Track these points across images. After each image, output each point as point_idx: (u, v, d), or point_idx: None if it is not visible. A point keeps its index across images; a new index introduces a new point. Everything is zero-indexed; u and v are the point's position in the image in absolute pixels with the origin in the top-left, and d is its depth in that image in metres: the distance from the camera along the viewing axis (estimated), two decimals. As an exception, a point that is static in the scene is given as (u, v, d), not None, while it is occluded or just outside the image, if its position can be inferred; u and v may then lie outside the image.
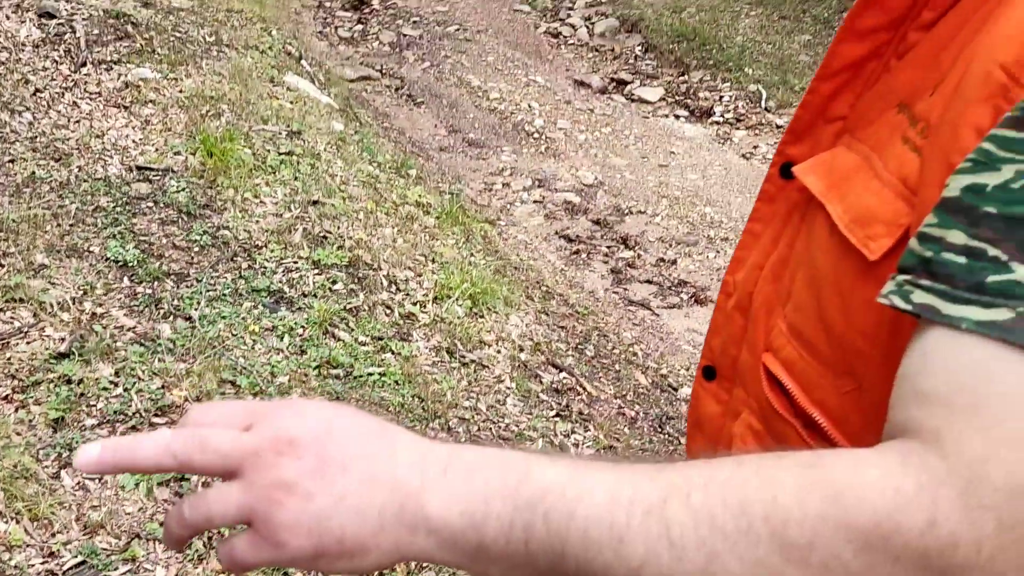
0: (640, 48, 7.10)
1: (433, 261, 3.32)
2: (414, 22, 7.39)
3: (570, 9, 7.89)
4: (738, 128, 5.91)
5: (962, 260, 0.48)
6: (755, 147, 5.64)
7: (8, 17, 4.16)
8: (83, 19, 4.37)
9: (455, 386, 2.66)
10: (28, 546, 1.73)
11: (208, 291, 2.68)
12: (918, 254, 0.51)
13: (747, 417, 0.77)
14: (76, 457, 0.53)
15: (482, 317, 3.08)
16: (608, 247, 4.44)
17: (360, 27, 7.39)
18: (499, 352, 2.93)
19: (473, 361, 2.82)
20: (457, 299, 3.09)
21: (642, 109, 6.22)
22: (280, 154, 3.69)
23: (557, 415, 2.72)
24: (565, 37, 7.37)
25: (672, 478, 0.49)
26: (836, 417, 0.65)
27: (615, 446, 2.64)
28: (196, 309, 2.59)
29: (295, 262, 3.00)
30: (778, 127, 5.88)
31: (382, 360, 2.65)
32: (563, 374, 2.97)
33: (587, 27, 7.51)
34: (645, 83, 6.56)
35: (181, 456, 0.51)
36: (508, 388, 2.75)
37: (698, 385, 0.87)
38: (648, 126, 5.87)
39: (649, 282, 4.17)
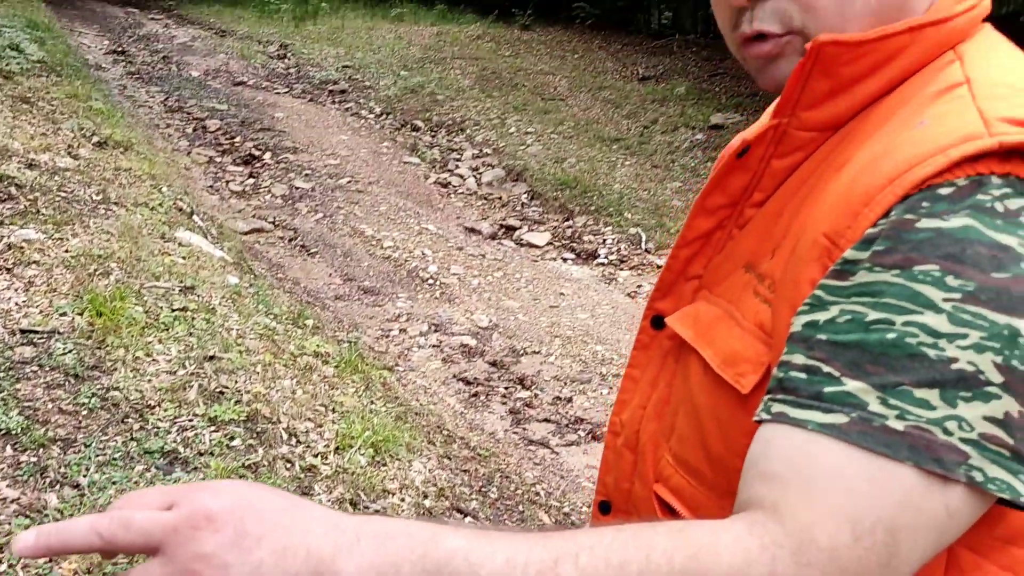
0: (526, 196, 7.46)
1: (333, 411, 3.31)
2: (306, 175, 7.57)
3: (458, 160, 8.27)
4: (622, 269, 6.23)
5: (803, 376, 0.62)
6: (639, 286, 5.94)
7: None
8: (-35, 182, 4.32)
9: (359, 538, 2.62)
10: None
11: (97, 456, 2.59)
12: (775, 378, 0.66)
13: None
14: (14, 543, 0.57)
15: (385, 465, 3.07)
16: (506, 388, 4.52)
17: (252, 181, 7.51)
18: (403, 500, 2.91)
19: (377, 511, 2.79)
20: (359, 448, 3.08)
21: (531, 253, 6.49)
22: (173, 310, 3.67)
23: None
24: (454, 187, 7.68)
25: (562, 544, 0.59)
26: None
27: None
28: (85, 476, 2.49)
29: (190, 420, 2.94)
30: (658, 267, 6.24)
31: (283, 516, 2.59)
32: (468, 519, 2.96)
33: (475, 177, 7.87)
34: (532, 228, 6.87)
35: (106, 535, 0.55)
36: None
37: (595, 520, 0.95)
38: (538, 269, 6.12)
39: (547, 421, 4.25)
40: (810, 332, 0.63)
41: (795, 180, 0.76)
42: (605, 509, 0.93)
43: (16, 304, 3.40)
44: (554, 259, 6.44)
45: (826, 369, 0.61)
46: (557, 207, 7.18)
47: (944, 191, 0.61)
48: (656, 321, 0.88)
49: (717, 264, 0.83)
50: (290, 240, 6.37)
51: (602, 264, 6.30)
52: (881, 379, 0.58)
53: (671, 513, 0.81)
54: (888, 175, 0.63)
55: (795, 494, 0.59)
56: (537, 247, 6.59)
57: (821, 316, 0.63)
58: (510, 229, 6.89)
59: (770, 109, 0.92)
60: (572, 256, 6.44)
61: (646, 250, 6.39)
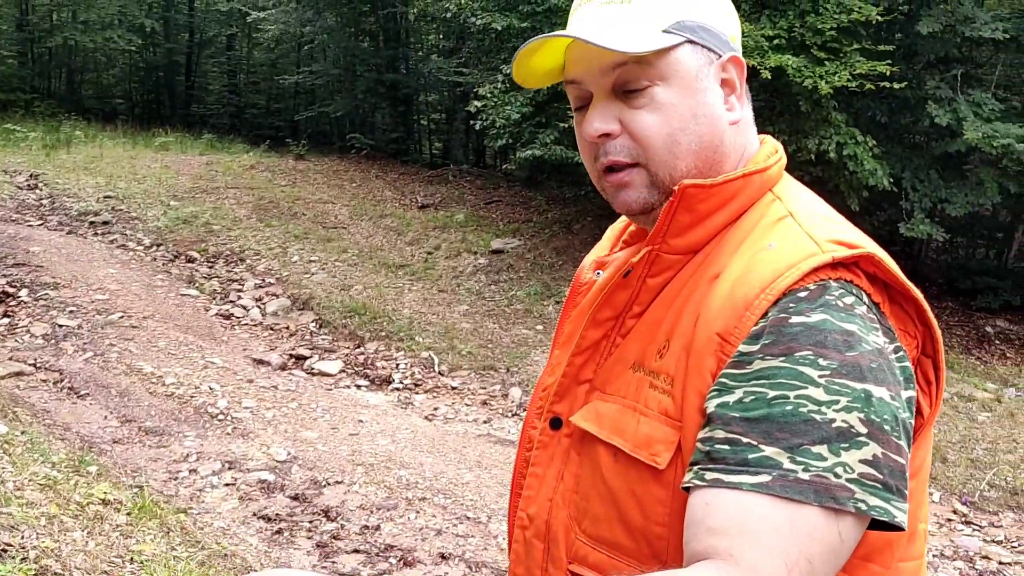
0: (314, 324, 7.41)
1: (132, 561, 3.07)
2: (70, 311, 7.06)
3: (239, 291, 8.09)
4: (417, 392, 6.31)
5: (727, 447, 0.80)
6: (436, 408, 6.04)
7: None
8: None
9: None
10: None
11: None
12: (701, 451, 0.82)
13: None
14: None
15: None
16: (310, 521, 4.38)
17: (6, 320, 6.89)
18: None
19: (193, 664, 2.60)
20: (166, 598, 2.87)
21: (324, 382, 6.41)
22: (-66, 465, 3.28)
23: None
24: (238, 318, 7.48)
25: None
26: None
27: None
28: None
29: (-34, 586, 2.62)
30: (453, 388, 6.39)
31: None
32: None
33: (259, 307, 7.72)
34: (323, 357, 6.81)
35: None
36: None
37: None
38: (333, 397, 6.05)
39: (356, 551, 4.16)
40: (724, 411, 0.81)
41: (668, 294, 0.95)
42: None
43: None
44: (348, 386, 6.41)
45: (745, 440, 0.79)
46: (347, 334, 7.19)
47: (802, 294, 0.83)
48: (555, 422, 1.01)
49: (607, 368, 0.98)
50: (55, 383, 5.87)
51: (397, 389, 6.35)
52: (788, 443, 0.77)
53: None
54: (760, 286, 0.85)
55: (742, 542, 0.76)
56: (330, 375, 6.53)
57: (730, 398, 0.81)
58: (300, 358, 6.80)
59: (609, 234, 1.18)
60: (366, 383, 6.44)
61: (439, 372, 6.53)
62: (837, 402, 0.77)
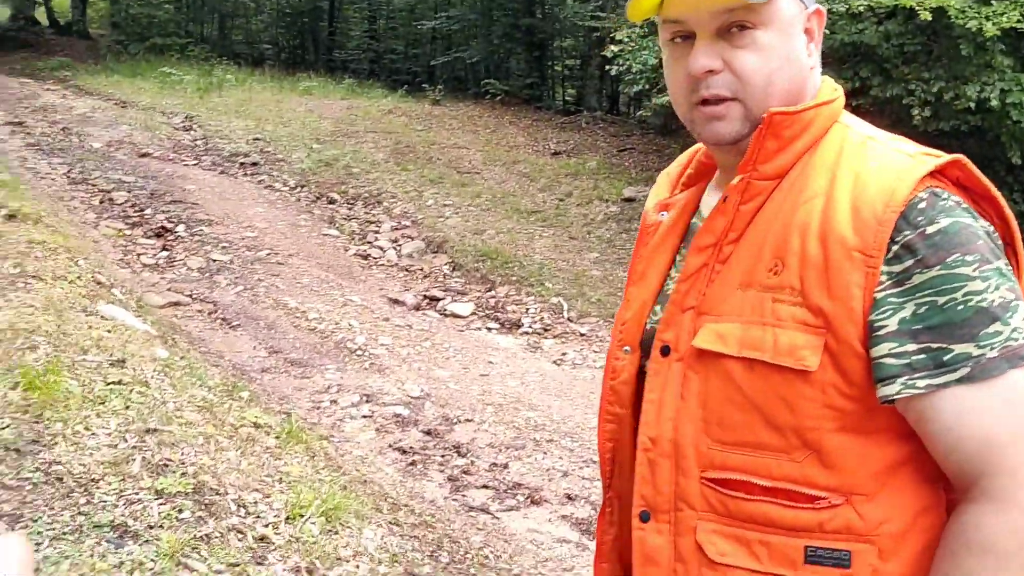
0: (447, 267, 7.58)
1: (280, 481, 3.28)
2: (223, 247, 7.49)
3: (377, 233, 8.35)
4: (546, 337, 6.38)
5: (924, 356, 0.94)
6: (564, 353, 6.09)
7: None
8: None
9: (322, 607, 2.60)
10: None
11: (48, 531, 2.50)
12: (899, 364, 0.95)
13: (706, 525, 1.05)
14: None
15: (337, 533, 3.05)
16: (442, 456, 4.54)
17: (165, 254, 7.38)
18: (358, 568, 2.90)
19: (335, 579, 2.77)
20: (310, 517, 3.06)
21: (456, 323, 6.58)
22: (108, 384, 3.58)
23: (427, 626, 2.70)
24: (375, 258, 7.74)
25: None
26: (802, 475, 1.00)
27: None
28: (37, 551, 2.40)
29: (136, 493, 2.87)
30: (581, 335, 6.42)
31: (242, 588, 2.56)
32: (425, 584, 2.97)
33: (395, 249, 7.95)
34: (456, 299, 6.98)
35: None
36: (375, 604, 2.72)
37: (637, 530, 1.11)
38: (464, 338, 6.20)
39: (485, 487, 4.29)
40: (906, 326, 0.95)
41: (763, 218, 1.05)
42: (645, 517, 1.10)
43: (-60, 379, 3.26)
44: (479, 329, 6.54)
45: (935, 346, 0.93)
46: (479, 278, 7.32)
47: (920, 205, 0.96)
48: (664, 350, 1.10)
49: (713, 293, 1.07)
50: (210, 313, 6.27)
51: (527, 333, 6.44)
52: (969, 334, 0.92)
53: (734, 486, 1.03)
54: (883, 200, 0.97)
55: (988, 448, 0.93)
56: (462, 317, 6.68)
57: (905, 314, 0.95)
58: (434, 300, 6.98)
59: (664, 180, 1.29)
60: (497, 325, 6.56)
61: (568, 318, 6.57)
62: (989, 284, 0.93)
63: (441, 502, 4.05)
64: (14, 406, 3.15)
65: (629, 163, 10.26)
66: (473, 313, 6.77)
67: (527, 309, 6.77)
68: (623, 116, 14.20)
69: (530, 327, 6.53)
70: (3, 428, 2.98)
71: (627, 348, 1.17)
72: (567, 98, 16.92)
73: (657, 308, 1.16)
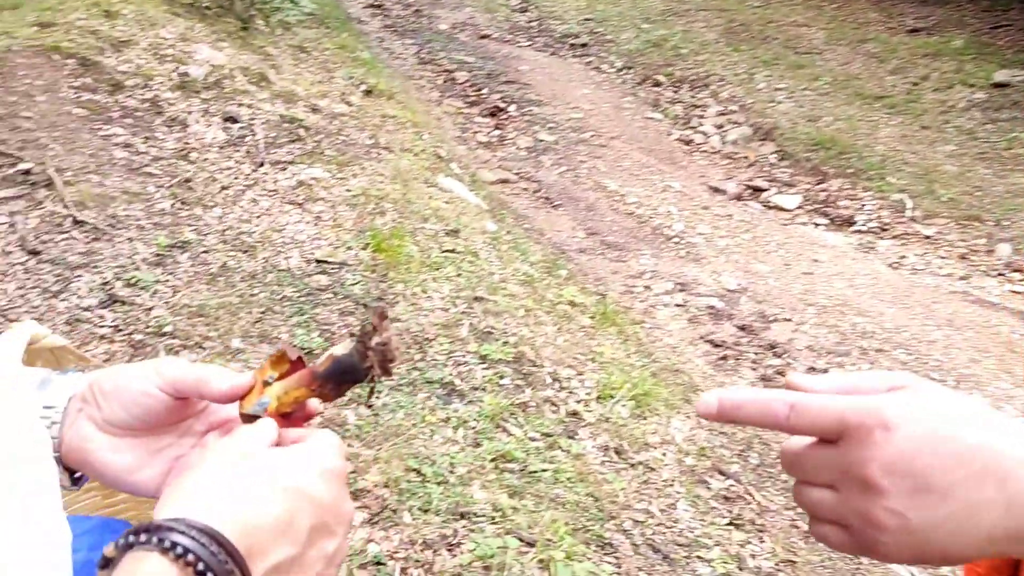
0: (775, 156, 7.12)
1: (593, 360, 3.34)
2: (550, 128, 7.65)
3: (701, 117, 8.03)
4: (882, 237, 5.80)
5: None
6: (902, 257, 5.51)
7: (198, 121, 4.54)
8: (261, 123, 4.73)
9: (626, 487, 2.63)
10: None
11: (388, 381, 2.77)
12: None
13: None
14: (697, 405, 0.59)
15: (645, 419, 3.06)
16: (755, 354, 4.36)
17: (497, 132, 7.70)
18: (665, 455, 2.89)
19: (641, 463, 2.79)
20: (620, 400, 3.09)
21: (780, 216, 6.19)
22: (443, 252, 3.84)
23: (730, 523, 2.64)
24: (698, 144, 7.47)
25: None
26: None
27: (794, 560, 2.54)
28: (376, 398, 2.67)
29: (464, 356, 3.07)
30: (926, 237, 5.75)
31: (552, 457, 2.66)
32: (730, 481, 2.89)
33: (719, 135, 7.60)
34: (782, 190, 6.55)
35: (789, 415, 0.55)
36: (678, 492, 2.70)
37: None
38: (788, 233, 5.83)
39: (801, 391, 4.05)
40: None
41: None
42: None
43: (308, 236, 3.69)
44: (805, 223, 6.11)
45: None
46: (809, 169, 6.79)
47: None
48: None
49: None
50: (534, 192, 6.48)
51: (860, 231, 5.90)
52: None
53: None
54: None
55: None
56: (786, 210, 6.28)
57: None
58: (757, 190, 6.61)
59: None
60: (825, 221, 6.08)
61: (911, 218, 5.90)
62: None
63: (752, 400, 3.91)
64: (364, 265, 3.48)
65: (1003, 42, 8.77)
66: (800, 206, 6.32)
67: (862, 205, 6.18)
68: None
69: (864, 225, 5.97)
70: (355, 284, 3.31)
71: None
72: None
73: None
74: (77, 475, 0.66)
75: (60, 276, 2.93)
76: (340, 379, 0.61)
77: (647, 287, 5.09)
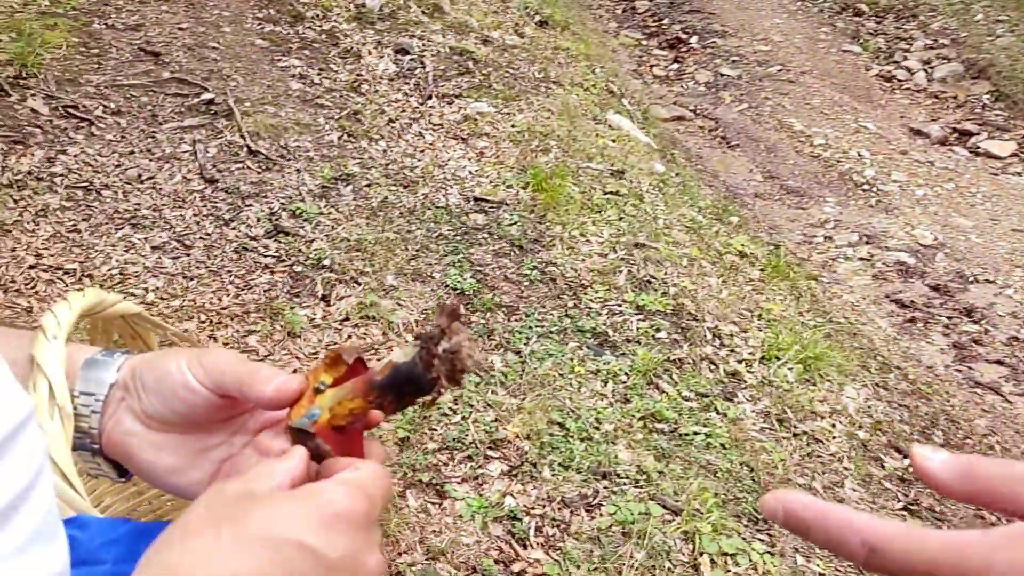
0: (988, 96, 6.36)
1: (759, 317, 3.11)
2: (733, 62, 7.20)
3: (906, 51, 7.29)
4: (1115, 192, 5.07)
5: None
6: None
7: (371, 53, 4.57)
8: (432, 55, 4.69)
9: (786, 459, 2.43)
10: (374, 565, 1.78)
11: (536, 327, 2.69)
12: None
13: None
14: (763, 504, 0.42)
15: (814, 385, 2.82)
16: (948, 318, 3.95)
17: (676, 66, 7.34)
18: (834, 426, 2.66)
19: (805, 433, 2.58)
20: (786, 362, 2.86)
21: (990, 164, 5.54)
22: (605, 193, 3.68)
23: (905, 508, 2.40)
24: (900, 81, 6.80)
25: None
26: None
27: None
28: (525, 344, 2.60)
29: (619, 305, 2.94)
30: None
31: (707, 420, 2.49)
32: (908, 461, 2.62)
33: (925, 71, 6.88)
34: (994, 135, 5.85)
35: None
36: (846, 469, 2.47)
37: None
38: (998, 184, 5.21)
39: (1000, 363, 3.64)
40: None
41: None
42: None
43: (470, 173, 3.64)
44: (1019, 173, 5.44)
45: None
46: (1030, 111, 6.02)
47: None
48: None
49: None
50: (710, 131, 6.14)
51: (1087, 185, 5.19)
52: None
53: None
54: None
55: None
56: (998, 158, 5.60)
57: None
58: (965, 134, 5.94)
59: None
60: (1045, 172, 5.38)
61: None
62: None
63: (941, 371, 3.54)
64: (523, 205, 3.39)
65: None
66: (1014, 154, 5.62)
67: (1093, 155, 5.42)
68: None
69: (1094, 178, 5.24)
70: (512, 224, 3.23)
71: None
72: None
73: None
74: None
75: (232, 205, 3.03)
76: (401, 390, 0.50)
77: (828, 238, 4.72)
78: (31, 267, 2.45)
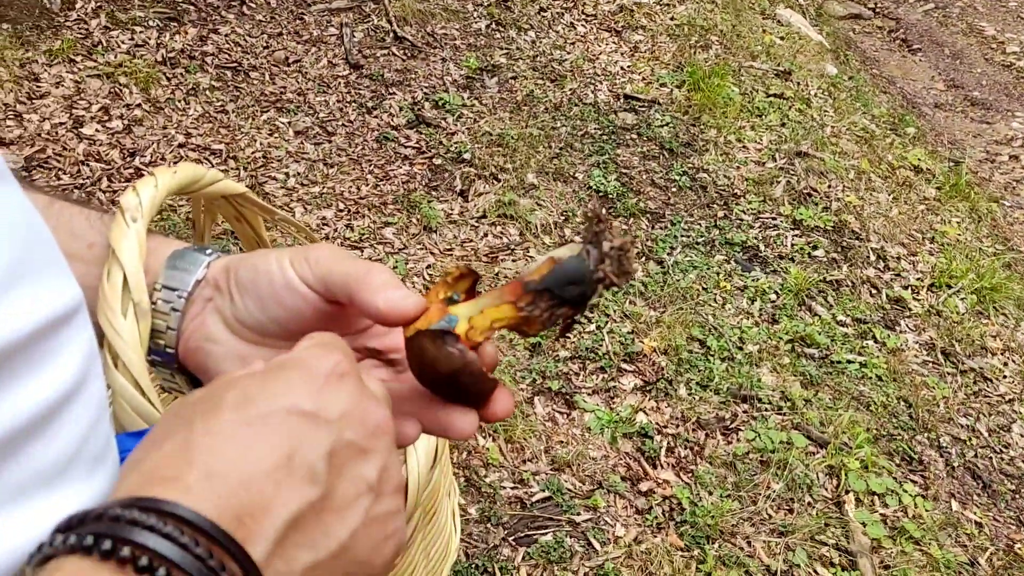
0: None
1: (932, 240, 2.83)
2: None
3: None
4: None
5: None
6: None
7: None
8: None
9: (950, 396, 2.22)
10: (502, 467, 1.74)
11: (682, 236, 2.53)
12: None
13: None
14: None
15: (987, 318, 2.55)
16: None
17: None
18: (1006, 365, 2.40)
19: (973, 370, 2.34)
20: (958, 291, 2.59)
21: None
22: (768, 96, 3.40)
23: (1083, 465, 2.15)
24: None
25: None
26: None
27: None
28: (669, 254, 2.45)
29: (773, 218, 2.73)
30: None
31: (863, 347, 2.30)
32: (1091, 412, 2.34)
33: None
34: None
35: None
36: (1016, 413, 2.24)
37: None
38: None
39: None
40: None
41: None
42: None
43: (622, 68, 3.43)
44: None
45: None
46: None
47: None
48: None
49: None
50: (890, 32, 5.58)
51: None
52: None
53: None
54: None
55: None
56: None
57: None
58: None
59: None
60: None
61: None
62: None
63: None
64: (676, 105, 3.18)
65: None
66: None
67: None
68: None
69: None
70: (663, 126, 3.03)
71: None
72: None
73: None
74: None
75: (376, 92, 2.97)
76: (558, 294, 0.41)
77: (1014, 157, 4.24)
78: (180, 146, 2.49)
